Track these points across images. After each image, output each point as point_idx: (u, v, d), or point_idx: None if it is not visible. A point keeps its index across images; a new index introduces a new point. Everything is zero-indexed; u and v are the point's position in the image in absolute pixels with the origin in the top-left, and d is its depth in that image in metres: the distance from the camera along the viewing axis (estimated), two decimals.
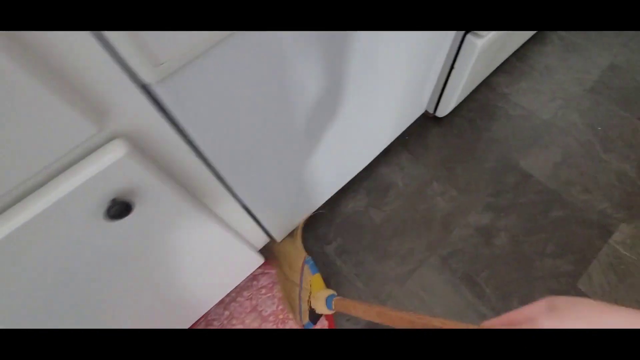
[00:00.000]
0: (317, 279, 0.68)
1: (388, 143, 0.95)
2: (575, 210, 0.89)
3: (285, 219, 0.75)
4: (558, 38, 1.16)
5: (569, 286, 0.81)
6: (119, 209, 0.36)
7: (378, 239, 0.89)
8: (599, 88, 1.06)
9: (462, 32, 0.77)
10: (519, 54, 1.13)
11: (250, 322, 0.80)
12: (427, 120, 1.04)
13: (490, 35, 0.77)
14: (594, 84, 1.07)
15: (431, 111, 1.01)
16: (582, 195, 0.91)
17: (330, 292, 0.65)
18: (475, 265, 0.85)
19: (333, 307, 0.61)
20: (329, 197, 0.88)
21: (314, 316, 0.68)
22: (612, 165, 0.94)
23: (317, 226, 0.91)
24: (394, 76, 0.69)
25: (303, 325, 0.71)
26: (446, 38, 0.74)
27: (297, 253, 0.74)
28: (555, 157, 0.96)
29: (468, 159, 0.98)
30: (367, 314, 0.50)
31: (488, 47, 0.80)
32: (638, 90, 1.04)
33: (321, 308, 0.64)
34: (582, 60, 1.11)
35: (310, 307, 0.67)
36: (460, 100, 1.01)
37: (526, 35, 1.07)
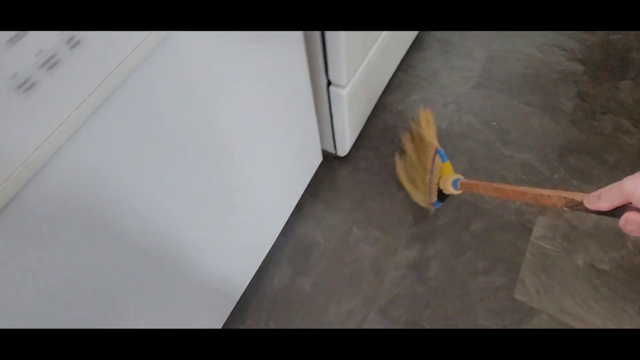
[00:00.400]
0: (447, 166, 0.78)
1: (295, 202, 0.88)
2: (493, 217, 0.88)
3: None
4: (435, 40, 1.17)
5: (507, 300, 0.80)
6: None
7: (312, 311, 0.82)
8: (483, 82, 1.07)
9: (325, 85, 0.72)
10: (402, 66, 1.11)
11: None
12: (332, 162, 0.98)
13: (354, 80, 0.73)
14: (478, 80, 1.08)
15: (333, 152, 0.96)
16: (495, 199, 0.90)
17: (458, 175, 0.74)
18: (416, 307, 0.81)
19: (459, 187, 0.71)
20: (250, 280, 0.80)
21: (442, 196, 0.79)
22: (514, 158, 0.95)
23: (244, 317, 0.82)
24: (266, 153, 0.63)
25: (432, 203, 0.83)
26: (304, 101, 0.69)
27: (429, 143, 0.83)
28: (462, 165, 0.95)
29: (381, 192, 0.94)
30: (487, 190, 0.60)
31: (356, 90, 0.76)
32: (518, 76, 1.07)
33: (449, 189, 0.74)
34: (462, 57, 1.13)
35: (439, 188, 0.78)
36: (357, 134, 0.97)
37: (404, 45, 1.06)
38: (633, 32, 1.11)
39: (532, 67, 1.07)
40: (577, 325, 0.76)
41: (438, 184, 0.79)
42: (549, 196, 0.42)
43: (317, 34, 0.62)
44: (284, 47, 0.55)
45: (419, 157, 0.86)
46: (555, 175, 0.91)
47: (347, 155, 0.97)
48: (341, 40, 0.59)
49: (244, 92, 0.51)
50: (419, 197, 0.87)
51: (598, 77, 1.03)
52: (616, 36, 1.10)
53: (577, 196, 0.37)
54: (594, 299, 0.78)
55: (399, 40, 0.98)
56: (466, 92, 1.06)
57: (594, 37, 1.11)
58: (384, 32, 0.80)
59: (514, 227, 0.87)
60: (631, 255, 0.81)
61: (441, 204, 0.83)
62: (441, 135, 0.99)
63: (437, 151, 0.81)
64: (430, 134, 0.86)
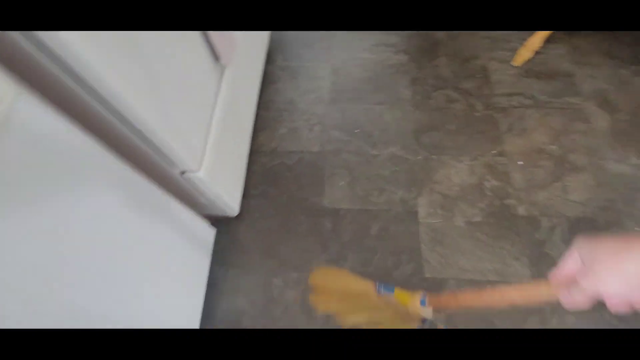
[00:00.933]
0: (399, 294, 0.63)
1: (204, 281, 0.86)
2: (384, 215, 0.98)
3: None
4: (280, 70, 1.23)
5: (421, 281, 0.90)
6: None
7: None
8: (335, 96, 1.17)
9: (179, 174, 0.71)
10: (261, 103, 1.15)
11: None
12: (228, 224, 0.98)
13: (207, 159, 0.73)
14: (330, 95, 1.17)
15: (225, 214, 0.95)
16: (380, 197, 1.00)
17: (418, 295, 0.60)
18: None
19: (427, 305, 0.59)
20: None
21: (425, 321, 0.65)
22: (382, 155, 1.06)
23: None
24: (150, 260, 0.60)
25: (423, 323, 0.66)
26: (162, 202, 0.67)
27: (361, 289, 0.65)
28: (344, 179, 1.03)
29: (284, 233, 0.97)
30: (464, 301, 0.53)
31: (213, 164, 0.76)
32: (362, 81, 1.19)
33: (424, 312, 0.60)
34: (309, 79, 1.21)
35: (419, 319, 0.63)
36: (241, 189, 0.98)
37: (255, 85, 1.09)
38: None
39: (370, 69, 1.20)
40: (478, 278, 0.89)
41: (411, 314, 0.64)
42: (524, 298, 0.42)
43: (151, 128, 0.60)
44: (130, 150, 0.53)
45: (360, 311, 0.67)
46: (419, 157, 1.05)
47: (239, 213, 0.97)
48: (168, 134, 0.58)
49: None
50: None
51: (420, 62, 1.21)
52: None
53: (548, 293, 0.39)
54: (480, 249, 0.93)
55: (242, 96, 1.01)
56: (325, 110, 1.14)
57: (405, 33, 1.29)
58: (219, 106, 0.80)
59: (403, 216, 0.97)
60: (492, 200, 0.98)
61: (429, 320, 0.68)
62: (318, 158, 1.06)
63: (377, 289, 0.65)
64: (350, 285, 0.68)
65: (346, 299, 0.68)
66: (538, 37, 1.10)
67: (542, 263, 0.90)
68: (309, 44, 1.26)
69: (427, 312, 0.61)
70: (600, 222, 0.93)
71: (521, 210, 0.95)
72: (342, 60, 1.22)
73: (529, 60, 1.16)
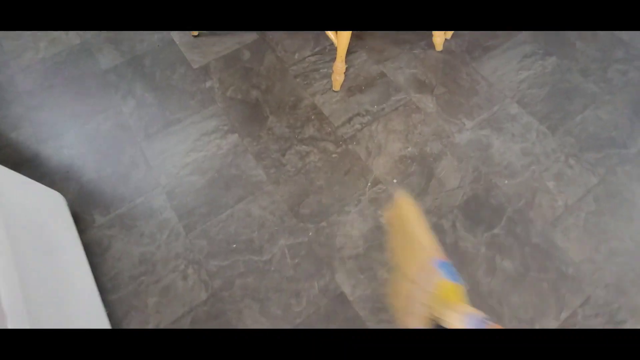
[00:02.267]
0: (453, 289, 0.51)
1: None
2: (315, 316, 0.85)
3: None
4: (106, 228, 0.95)
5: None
6: None
7: None
8: (188, 222, 0.96)
9: None
10: (105, 287, 0.88)
11: None
12: None
13: None
14: (182, 222, 0.96)
15: None
16: (301, 302, 0.86)
17: (477, 312, 0.46)
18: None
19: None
20: None
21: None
22: (275, 255, 0.92)
23: None
24: None
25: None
26: None
27: (424, 246, 0.54)
28: (253, 309, 0.87)
29: None
30: None
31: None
32: (205, 188, 1.02)
33: (459, 326, 0.47)
34: (147, 219, 0.97)
35: (434, 317, 0.51)
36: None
37: (82, 280, 0.82)
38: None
39: (206, 170, 1.03)
40: None
41: (432, 310, 0.52)
42: None
43: None
44: None
45: (406, 259, 0.58)
46: (310, 233, 0.94)
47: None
48: None
49: None
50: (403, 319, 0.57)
51: (252, 132, 1.09)
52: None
53: None
54: None
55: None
56: (186, 245, 0.93)
57: (218, 105, 1.16)
58: None
59: (333, 306, 0.87)
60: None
61: None
62: (212, 305, 0.85)
63: (438, 264, 0.53)
64: (419, 232, 0.57)
65: (407, 243, 0.59)
66: (339, 57, 1.11)
67: (464, 259, 0.91)
68: (123, 181, 1.03)
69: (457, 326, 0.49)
70: (480, 194, 1.00)
71: None
72: (170, 177, 1.03)
73: (345, 80, 1.17)
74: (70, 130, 1.10)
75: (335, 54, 1.12)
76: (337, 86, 1.14)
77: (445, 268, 0.54)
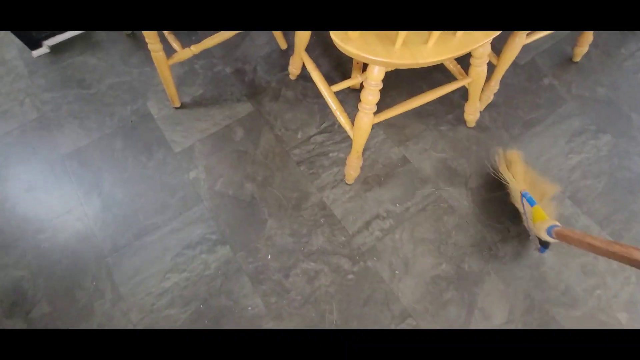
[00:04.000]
0: (536, 211, 0.76)
1: None
2: None
3: None
4: None
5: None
6: None
7: None
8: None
9: None
10: None
11: None
12: None
13: None
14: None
15: None
16: None
17: (551, 222, 0.71)
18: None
19: (554, 237, 0.70)
20: None
21: (544, 242, 0.77)
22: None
23: None
24: None
25: (538, 249, 0.83)
26: None
27: (513, 187, 0.85)
28: None
29: None
30: (583, 244, 0.60)
31: None
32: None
33: (544, 236, 0.73)
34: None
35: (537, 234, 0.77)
36: None
37: None
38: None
39: (185, 300, 0.83)
40: None
41: (535, 229, 0.77)
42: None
43: None
44: None
45: (514, 198, 0.87)
46: None
47: None
48: None
49: None
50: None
51: (248, 246, 0.86)
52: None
53: None
54: None
55: None
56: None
57: (204, 204, 0.95)
58: None
59: None
60: None
61: (546, 249, 0.82)
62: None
63: (522, 195, 0.81)
64: (515, 175, 0.86)
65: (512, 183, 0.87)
66: (355, 152, 0.88)
67: None
68: (85, 317, 0.79)
69: (546, 238, 0.73)
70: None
71: None
72: (143, 312, 0.80)
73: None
74: (20, 241, 0.88)
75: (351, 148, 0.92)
76: (350, 179, 0.94)
77: (526, 197, 0.80)
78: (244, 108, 1.06)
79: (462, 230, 0.89)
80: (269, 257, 0.86)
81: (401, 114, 1.02)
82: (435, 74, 1.11)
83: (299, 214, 0.91)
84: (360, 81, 0.94)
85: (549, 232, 0.71)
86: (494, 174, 0.93)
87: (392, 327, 0.79)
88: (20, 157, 0.99)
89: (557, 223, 0.72)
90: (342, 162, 0.97)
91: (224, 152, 1.00)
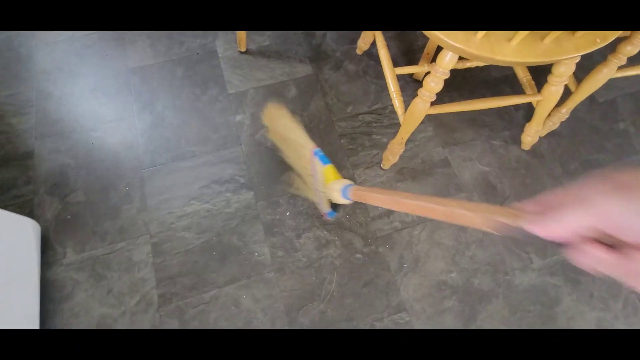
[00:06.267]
0: (328, 170, 0.66)
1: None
2: None
3: None
4: (74, 269, 0.80)
5: None
6: None
7: None
8: (165, 290, 0.80)
9: None
10: None
11: None
12: None
13: None
14: (159, 291, 0.80)
15: None
16: None
17: (346, 182, 0.62)
18: None
19: (350, 197, 0.59)
20: None
21: (335, 205, 0.69)
22: None
23: None
24: None
25: (326, 214, 0.74)
26: None
27: (302, 142, 0.74)
28: None
29: None
30: (385, 202, 0.49)
31: None
32: (197, 253, 0.84)
33: (338, 198, 0.63)
34: (122, 273, 0.80)
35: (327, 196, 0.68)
36: None
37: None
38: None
39: (205, 229, 0.85)
40: None
41: (325, 192, 0.67)
42: (471, 216, 0.30)
43: None
44: None
45: (296, 159, 0.78)
46: None
47: None
48: None
49: None
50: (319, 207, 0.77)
51: (269, 196, 0.89)
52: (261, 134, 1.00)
53: (510, 218, 0.26)
54: None
55: None
56: (155, 321, 0.78)
57: (242, 148, 0.98)
58: None
59: None
60: None
61: (336, 213, 0.76)
62: None
63: (314, 153, 0.70)
64: (293, 132, 0.75)
65: (288, 143, 0.78)
66: (400, 137, 0.86)
67: None
68: (111, 214, 0.87)
69: (340, 199, 0.63)
70: None
71: None
72: (162, 227, 0.86)
73: (398, 158, 0.95)
74: (74, 133, 0.96)
75: (398, 120, 0.91)
76: (387, 165, 0.93)
77: (319, 154, 0.69)
78: (304, 70, 1.07)
79: (483, 247, 0.87)
80: (287, 214, 0.88)
81: (456, 117, 1.00)
82: (503, 86, 1.06)
83: None
84: (426, 71, 0.91)
85: (344, 192, 0.61)
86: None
87: (385, 315, 0.80)
88: (93, 60, 1.07)
89: (352, 182, 0.62)
90: (383, 147, 0.96)
91: None
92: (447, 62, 0.66)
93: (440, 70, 0.68)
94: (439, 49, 0.80)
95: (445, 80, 0.68)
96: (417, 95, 0.74)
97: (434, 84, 0.70)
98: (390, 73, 0.87)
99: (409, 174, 0.94)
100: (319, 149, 0.70)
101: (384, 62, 0.88)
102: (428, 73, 0.72)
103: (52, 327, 0.76)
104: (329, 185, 0.65)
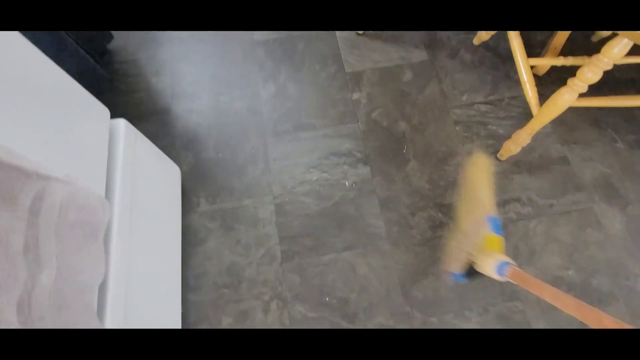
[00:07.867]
0: (495, 240, 0.64)
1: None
2: None
3: None
4: (207, 218, 0.88)
5: None
6: None
7: None
8: (288, 247, 0.86)
9: None
10: (188, 282, 0.82)
11: None
12: None
13: None
14: (282, 247, 0.85)
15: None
16: None
17: (507, 259, 0.59)
18: None
19: (507, 276, 0.58)
20: None
21: (472, 272, 0.66)
22: (368, 327, 0.80)
23: None
24: None
25: (451, 274, 0.71)
26: None
27: (484, 203, 0.69)
28: None
29: None
30: (544, 293, 0.50)
31: None
32: (316, 217, 0.89)
33: (487, 270, 0.61)
34: (249, 227, 0.88)
35: (470, 261, 0.65)
36: None
37: (172, 261, 0.77)
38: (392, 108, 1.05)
39: (324, 197, 0.90)
40: None
41: (471, 254, 0.65)
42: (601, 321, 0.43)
43: None
44: None
45: (465, 212, 0.74)
46: (415, 325, 0.80)
47: None
48: None
49: None
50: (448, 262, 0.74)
51: (387, 173, 0.93)
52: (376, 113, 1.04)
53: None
54: None
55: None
56: (278, 273, 0.83)
57: (359, 125, 1.02)
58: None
59: None
60: None
61: (465, 280, 0.70)
62: None
63: (489, 218, 0.66)
64: (482, 191, 0.71)
65: (472, 195, 0.73)
66: (529, 129, 0.85)
67: None
68: (238, 173, 0.95)
69: (489, 273, 0.60)
70: None
71: None
72: (284, 190, 0.92)
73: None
74: (205, 96, 1.04)
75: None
76: (505, 155, 0.93)
77: (493, 222, 0.66)
78: (419, 55, 1.08)
79: (603, 249, 0.85)
80: (403, 192, 0.91)
81: (577, 116, 0.98)
82: (631, 89, 1.01)
83: (442, 167, 0.94)
84: (564, 63, 0.89)
85: (500, 268, 0.58)
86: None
87: (499, 301, 0.80)
88: (221, 32, 1.14)
89: (514, 262, 0.59)
90: (498, 137, 0.96)
91: (389, 87, 1.04)
92: (616, 52, 0.65)
93: (605, 60, 0.66)
94: (569, 44, 0.77)
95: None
96: (567, 84, 0.73)
97: (591, 74, 0.69)
98: (523, 63, 0.86)
99: (525, 167, 0.93)
100: (498, 218, 0.67)
101: (517, 51, 0.87)
102: (551, 68, 0.70)
103: (189, 266, 0.84)
104: (487, 253, 0.61)
